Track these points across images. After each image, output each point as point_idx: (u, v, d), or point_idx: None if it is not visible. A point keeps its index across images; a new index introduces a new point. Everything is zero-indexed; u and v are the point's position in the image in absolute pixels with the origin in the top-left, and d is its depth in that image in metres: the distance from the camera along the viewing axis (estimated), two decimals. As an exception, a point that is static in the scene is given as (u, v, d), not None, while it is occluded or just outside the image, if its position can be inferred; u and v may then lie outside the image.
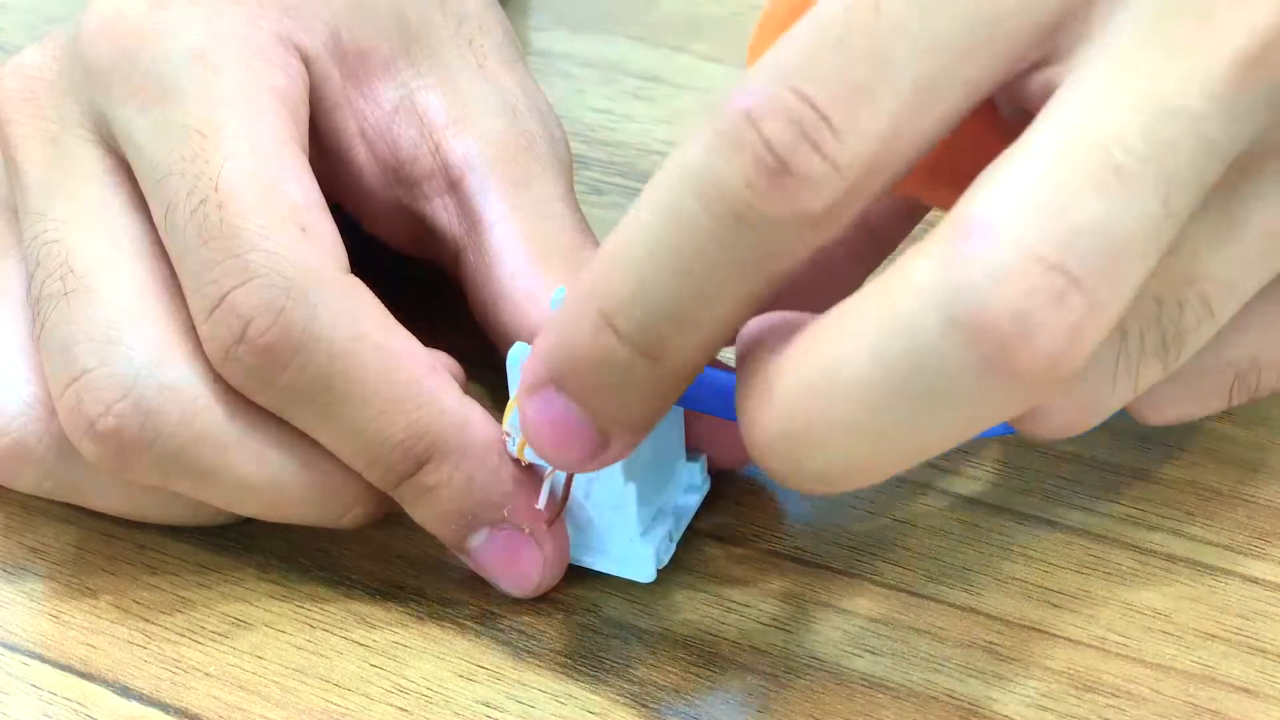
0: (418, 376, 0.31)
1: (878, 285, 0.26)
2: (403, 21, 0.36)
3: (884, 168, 0.26)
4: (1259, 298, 0.29)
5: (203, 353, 0.31)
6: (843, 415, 0.26)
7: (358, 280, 0.32)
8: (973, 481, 0.35)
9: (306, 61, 0.34)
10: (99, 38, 0.33)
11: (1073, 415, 0.28)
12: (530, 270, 0.35)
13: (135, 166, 0.33)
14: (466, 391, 0.33)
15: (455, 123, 0.36)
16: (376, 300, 0.32)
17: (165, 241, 0.32)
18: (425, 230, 0.36)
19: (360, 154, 0.36)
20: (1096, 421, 0.29)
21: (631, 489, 0.32)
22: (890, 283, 0.26)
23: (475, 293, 0.36)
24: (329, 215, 0.32)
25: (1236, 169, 0.27)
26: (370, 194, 0.36)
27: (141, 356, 0.31)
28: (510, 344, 0.33)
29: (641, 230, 0.27)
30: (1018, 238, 0.24)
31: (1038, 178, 0.25)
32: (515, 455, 0.32)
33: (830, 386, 0.26)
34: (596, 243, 0.36)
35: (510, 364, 0.32)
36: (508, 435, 0.32)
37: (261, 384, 0.31)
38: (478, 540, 0.32)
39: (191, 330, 0.32)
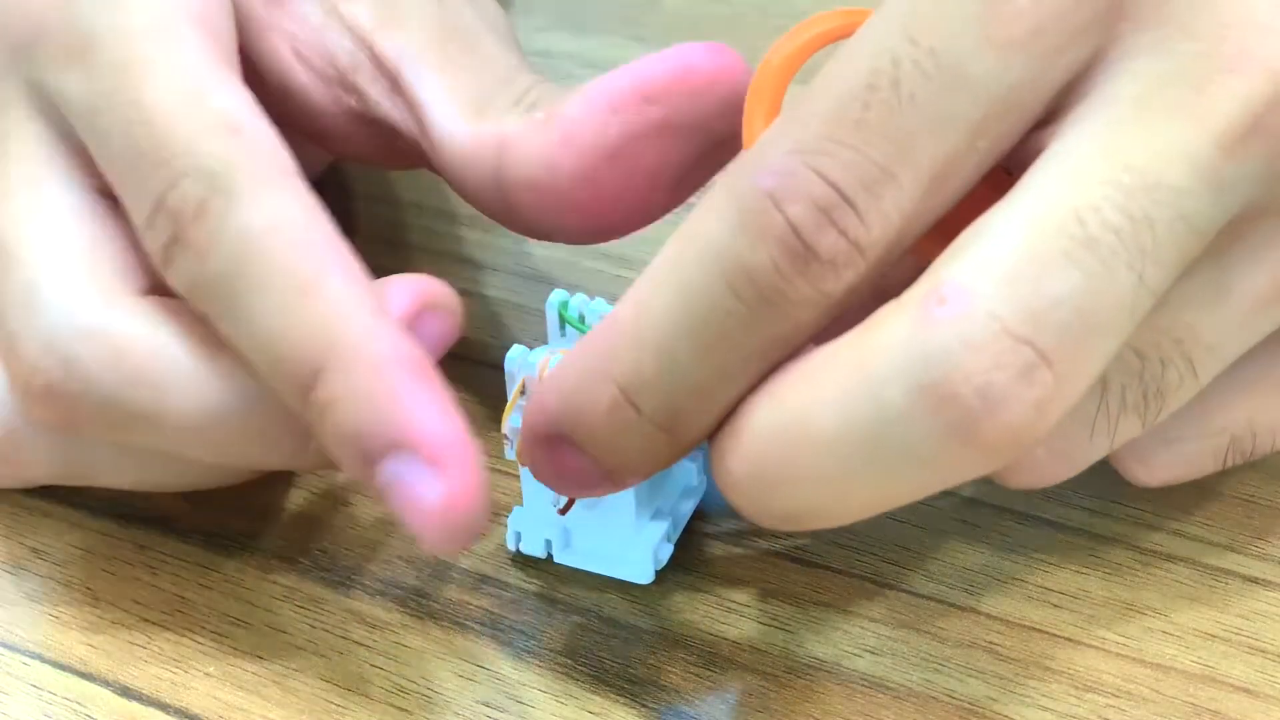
0: (323, 272, 0.29)
1: (852, 339, 0.26)
2: None
3: (903, 243, 0.27)
4: (1251, 359, 0.29)
5: (131, 295, 0.31)
6: (808, 464, 0.26)
7: (296, 180, 0.31)
8: (973, 482, 0.35)
9: None
10: (11, 13, 0.33)
11: (1049, 468, 0.29)
12: (470, 120, 0.34)
13: (74, 121, 0.32)
14: (458, 320, 0.31)
15: (383, 24, 0.36)
16: (313, 202, 0.30)
17: (108, 179, 0.32)
18: (384, 133, 0.36)
19: (299, 74, 0.36)
20: (1073, 473, 0.30)
21: (629, 491, 0.32)
22: (863, 340, 0.26)
23: (444, 173, 0.35)
24: (265, 120, 0.31)
25: (1225, 234, 0.27)
26: (321, 111, 0.36)
27: (59, 309, 0.31)
28: (493, 197, 0.33)
29: (665, 310, 0.27)
30: (990, 310, 0.25)
31: (1012, 247, 0.25)
32: (516, 459, 0.32)
33: (798, 435, 0.26)
34: (530, 70, 0.35)
35: (508, 365, 0.32)
36: (506, 440, 0.32)
37: (188, 280, 0.30)
38: (383, 475, 0.28)
39: (125, 275, 0.32)
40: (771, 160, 0.26)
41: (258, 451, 0.32)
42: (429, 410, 0.28)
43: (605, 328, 0.28)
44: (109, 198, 0.32)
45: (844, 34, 0.30)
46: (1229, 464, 0.31)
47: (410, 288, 0.31)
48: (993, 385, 0.25)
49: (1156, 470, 0.31)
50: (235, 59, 0.33)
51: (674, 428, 0.28)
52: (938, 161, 0.26)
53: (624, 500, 0.32)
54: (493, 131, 0.34)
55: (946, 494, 0.35)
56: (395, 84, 0.36)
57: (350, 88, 0.36)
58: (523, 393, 0.31)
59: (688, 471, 0.34)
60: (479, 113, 0.34)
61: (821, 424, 0.26)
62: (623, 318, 0.28)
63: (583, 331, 0.32)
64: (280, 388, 0.30)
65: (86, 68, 0.32)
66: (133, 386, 0.31)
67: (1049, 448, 0.29)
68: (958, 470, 0.26)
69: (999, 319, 0.25)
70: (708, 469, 0.34)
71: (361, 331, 0.29)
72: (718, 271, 0.26)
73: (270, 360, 0.30)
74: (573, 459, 0.29)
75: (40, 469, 0.33)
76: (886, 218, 0.26)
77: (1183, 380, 0.28)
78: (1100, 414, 0.28)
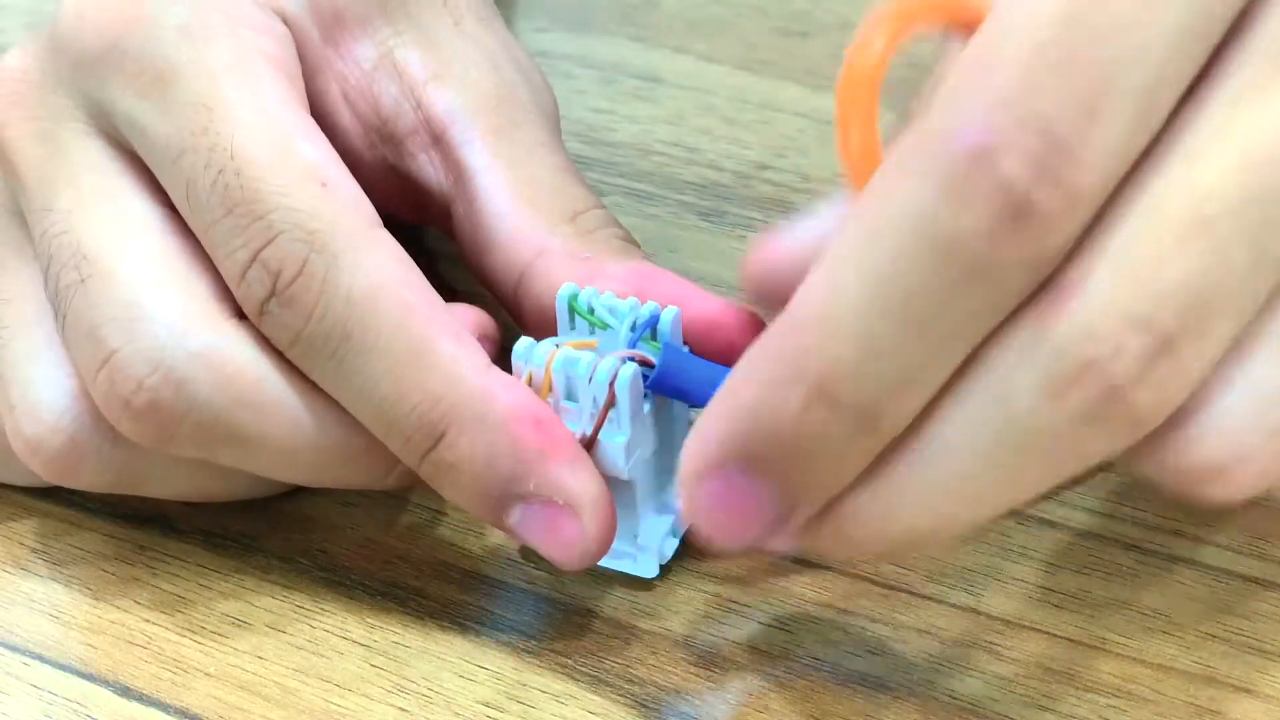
0: (433, 335, 0.31)
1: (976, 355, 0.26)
2: None
3: (1112, 187, 0.25)
4: None
5: (231, 319, 0.32)
6: (954, 488, 0.26)
7: (384, 234, 0.32)
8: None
9: (287, 24, 0.34)
10: (82, 29, 0.33)
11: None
12: (517, 209, 0.35)
13: (143, 151, 0.33)
14: (499, 347, 0.33)
15: (435, 78, 0.36)
16: (403, 254, 0.32)
17: (188, 218, 0.32)
18: (413, 188, 0.36)
19: (344, 117, 0.36)
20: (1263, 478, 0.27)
21: (635, 487, 0.32)
22: (987, 353, 0.26)
23: (466, 241, 0.35)
24: (346, 169, 0.32)
25: None
26: (357, 157, 0.36)
27: (167, 328, 0.31)
28: (505, 287, 0.33)
29: (862, 291, 0.25)
30: (1111, 298, 0.25)
31: (1131, 235, 0.25)
32: None
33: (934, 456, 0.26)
34: (584, 183, 0.36)
35: (515, 356, 0.32)
36: None
37: (290, 337, 0.31)
38: (515, 517, 0.31)
39: (216, 298, 0.32)
40: (972, 115, 0.24)
41: (347, 475, 0.33)
42: (556, 464, 0.30)
43: (787, 324, 0.26)
44: (178, 215, 0.33)
45: (943, 17, 0.27)
46: None
47: (470, 320, 0.33)
48: (1118, 373, 0.25)
49: (1249, 465, 0.27)
50: (305, 98, 0.33)
51: (877, 425, 0.26)
52: (1143, 91, 0.25)
53: (630, 497, 0.32)
54: (539, 235, 0.34)
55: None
56: (438, 140, 0.36)
57: (388, 138, 0.36)
58: (530, 383, 0.31)
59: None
60: (531, 203, 0.35)
61: (959, 448, 0.26)
62: (810, 306, 0.25)
63: (592, 323, 0.32)
64: (394, 447, 0.31)
65: (166, 102, 0.32)
66: (239, 410, 0.31)
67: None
68: (1088, 454, 0.26)
69: (1120, 306, 0.25)
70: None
71: (479, 394, 0.30)
72: (923, 241, 0.24)
73: (384, 422, 0.31)
74: (749, 493, 0.27)
75: (91, 476, 0.33)
76: (1103, 158, 0.24)
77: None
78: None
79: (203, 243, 0.32)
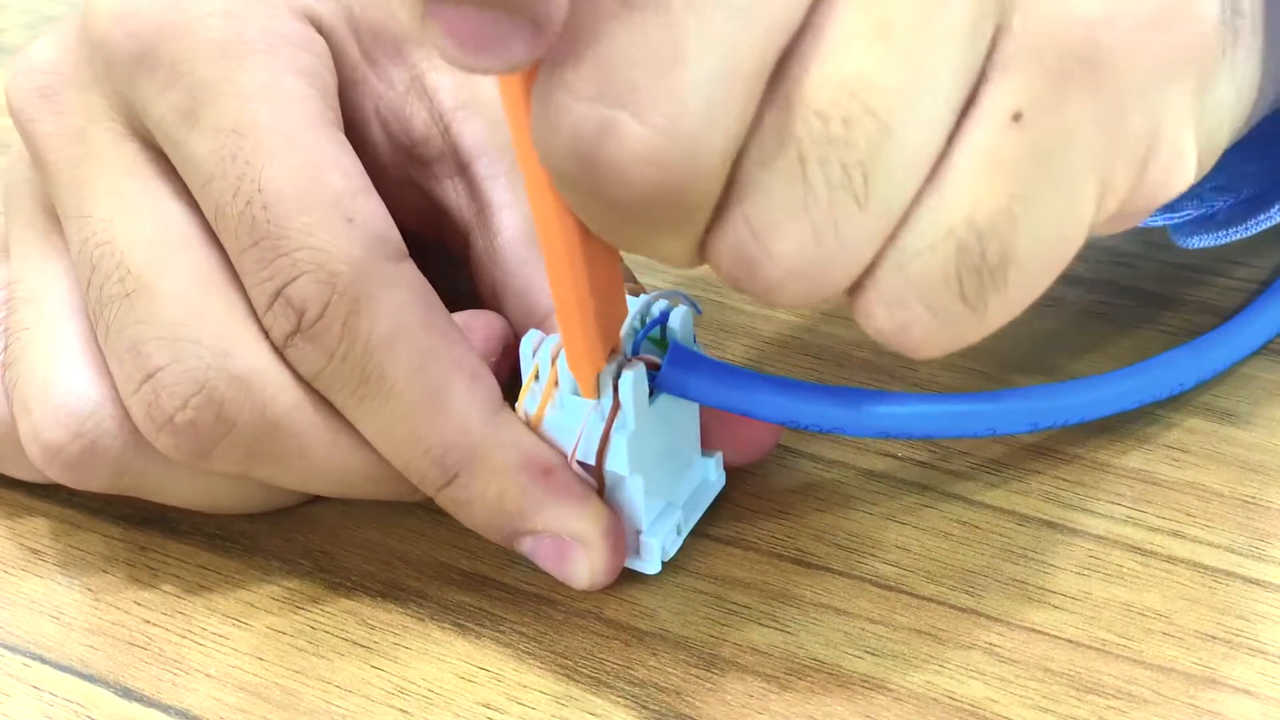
0: (448, 381, 0.32)
1: None
2: None
3: None
4: (963, 137, 0.26)
5: (266, 339, 0.32)
6: None
7: (407, 268, 0.32)
8: (973, 483, 0.35)
9: (325, 35, 0.34)
10: (115, 29, 0.33)
11: (792, 285, 0.26)
12: (536, 260, 0.35)
13: (176, 162, 0.33)
14: (508, 363, 0.33)
15: (465, 105, 0.36)
16: (424, 290, 0.32)
17: (219, 235, 0.32)
18: (437, 210, 0.37)
19: (376, 132, 0.36)
20: (818, 292, 0.26)
21: (638, 481, 0.32)
22: None
23: (482, 276, 0.36)
24: (375, 196, 0.32)
25: None
26: (385, 172, 0.36)
27: (210, 350, 0.32)
28: (517, 333, 0.33)
29: None
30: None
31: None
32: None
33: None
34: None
35: (523, 351, 0.32)
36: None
37: (313, 372, 0.32)
38: (526, 547, 0.33)
39: (252, 315, 0.32)
40: None
41: (374, 489, 0.33)
42: (563, 508, 0.32)
43: None
44: (209, 224, 0.33)
45: None
46: (967, 289, 0.26)
47: (494, 333, 0.34)
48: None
49: (898, 313, 0.26)
50: (339, 114, 0.33)
51: None
52: None
53: (632, 491, 0.32)
54: None
55: (947, 495, 0.35)
56: (464, 170, 0.36)
57: (417, 159, 0.36)
58: (536, 377, 0.32)
59: (705, 465, 0.34)
60: None
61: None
62: None
63: None
64: (412, 480, 0.32)
65: (198, 122, 0.32)
66: (276, 432, 0.32)
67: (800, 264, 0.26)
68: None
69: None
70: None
71: (489, 443, 0.32)
72: None
73: (401, 459, 0.32)
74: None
75: (106, 482, 0.33)
76: None
77: (878, 144, 0.25)
78: (809, 198, 0.25)
79: (233, 262, 0.32)
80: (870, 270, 0.26)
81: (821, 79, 0.24)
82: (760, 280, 0.26)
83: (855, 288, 0.27)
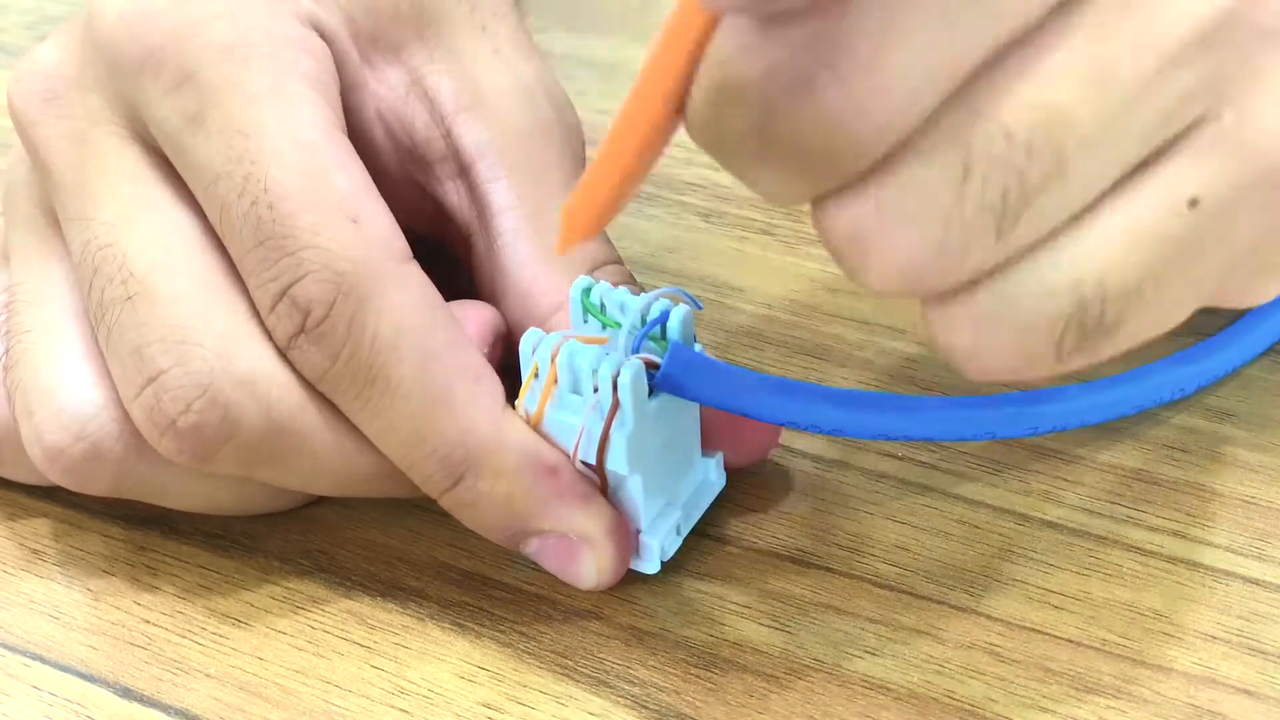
0: (452, 382, 0.31)
1: None
2: (416, 5, 0.36)
3: None
4: (1119, 196, 0.25)
5: (269, 340, 0.32)
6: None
7: (411, 269, 0.32)
8: (973, 483, 0.35)
9: (326, 39, 0.34)
10: (120, 32, 0.33)
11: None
12: (536, 262, 0.35)
13: (179, 165, 0.33)
14: (500, 352, 0.33)
15: (467, 109, 0.36)
16: (428, 290, 0.32)
17: (222, 238, 0.32)
18: (438, 211, 0.37)
19: (378, 134, 0.36)
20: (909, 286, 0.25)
21: (637, 480, 0.32)
22: None
23: (482, 279, 0.36)
24: (380, 198, 0.32)
25: None
26: (388, 174, 0.36)
27: (213, 352, 0.31)
28: (517, 335, 0.33)
29: None
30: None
31: None
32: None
33: None
34: (604, 235, 0.36)
35: (523, 349, 0.32)
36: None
37: (317, 374, 0.32)
38: (532, 548, 0.33)
39: (255, 317, 0.32)
40: None
41: (381, 490, 0.33)
42: (568, 508, 0.32)
43: None
44: (212, 228, 0.33)
45: None
46: (1066, 341, 0.25)
47: (486, 323, 0.34)
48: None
49: (985, 338, 0.25)
50: (342, 118, 0.34)
51: None
52: None
53: (631, 490, 0.32)
54: (555, 294, 0.34)
55: (947, 495, 0.35)
56: (465, 173, 0.36)
57: (419, 161, 0.36)
58: (536, 375, 0.32)
59: (705, 465, 0.34)
60: (549, 256, 0.35)
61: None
62: None
63: (602, 320, 0.32)
64: (416, 481, 0.32)
65: (203, 124, 0.32)
66: (280, 435, 0.32)
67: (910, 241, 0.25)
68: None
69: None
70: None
71: (494, 444, 0.32)
72: None
73: (406, 461, 0.32)
74: None
75: (108, 485, 0.33)
76: None
77: (1046, 181, 0.24)
78: (954, 209, 0.24)
79: (236, 264, 0.32)
80: (970, 287, 0.25)
81: (1022, 100, 0.24)
82: (858, 259, 0.25)
83: (943, 295, 0.26)
